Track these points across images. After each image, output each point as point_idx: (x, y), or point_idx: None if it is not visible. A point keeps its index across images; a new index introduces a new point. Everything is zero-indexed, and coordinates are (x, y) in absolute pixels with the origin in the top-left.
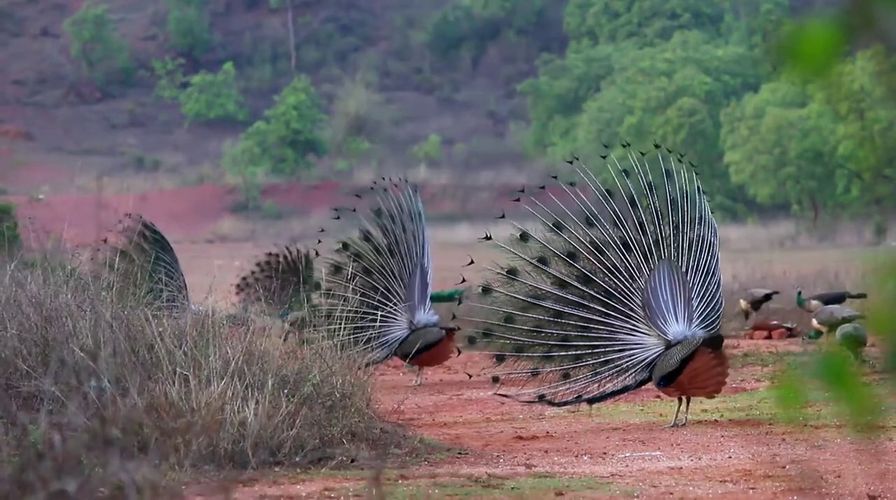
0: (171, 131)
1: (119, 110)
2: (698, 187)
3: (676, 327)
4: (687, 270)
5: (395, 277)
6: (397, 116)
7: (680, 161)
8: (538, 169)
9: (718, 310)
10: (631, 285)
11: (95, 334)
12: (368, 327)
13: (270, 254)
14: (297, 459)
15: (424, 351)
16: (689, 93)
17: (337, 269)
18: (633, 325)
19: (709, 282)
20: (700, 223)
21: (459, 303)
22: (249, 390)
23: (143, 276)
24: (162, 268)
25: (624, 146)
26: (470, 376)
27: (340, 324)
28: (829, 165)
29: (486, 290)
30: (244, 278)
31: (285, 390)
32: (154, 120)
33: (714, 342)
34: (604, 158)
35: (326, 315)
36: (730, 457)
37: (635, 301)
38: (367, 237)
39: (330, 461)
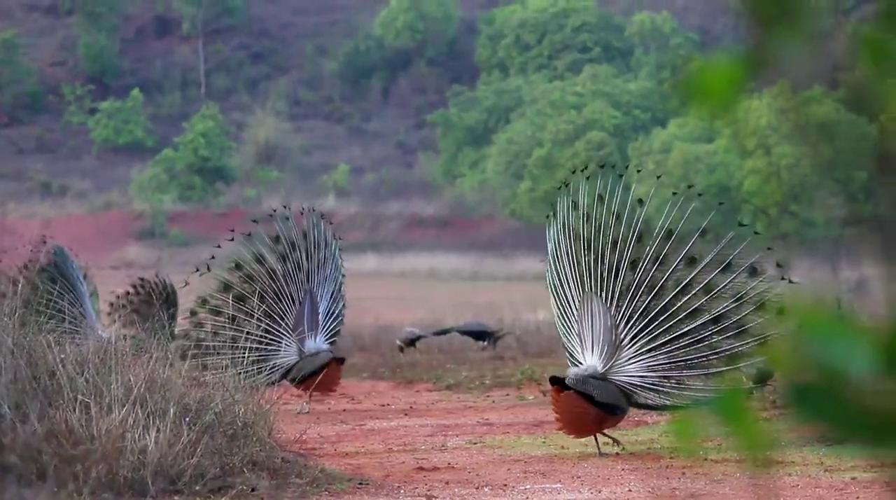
0: (79, 157)
1: (27, 135)
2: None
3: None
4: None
5: (287, 302)
6: (307, 144)
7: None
8: (447, 199)
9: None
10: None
11: None
12: (256, 349)
13: (143, 279)
14: (198, 488)
15: (311, 377)
16: (597, 126)
17: (226, 287)
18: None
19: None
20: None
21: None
22: (151, 417)
23: (45, 302)
24: (65, 294)
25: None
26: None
27: (227, 344)
28: (735, 200)
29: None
30: (117, 298)
31: (187, 419)
32: (62, 145)
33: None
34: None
35: (212, 333)
36: (629, 490)
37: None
38: (259, 261)
39: (230, 490)
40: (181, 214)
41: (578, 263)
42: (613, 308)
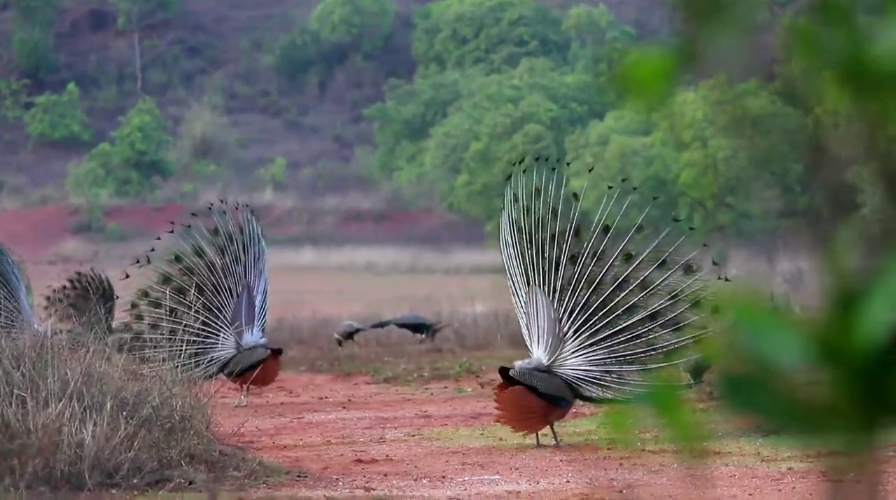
0: (14, 152)
1: None
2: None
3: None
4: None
5: (226, 296)
6: (243, 138)
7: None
8: (384, 193)
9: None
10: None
11: None
12: (196, 342)
13: (79, 274)
14: (135, 481)
15: (248, 371)
16: (534, 119)
17: (166, 279)
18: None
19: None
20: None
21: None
22: (88, 411)
23: None
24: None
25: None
26: None
27: (166, 337)
28: (671, 193)
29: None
30: (54, 292)
31: (124, 412)
32: None
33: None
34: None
35: (152, 326)
36: (567, 481)
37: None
38: (199, 254)
39: (168, 483)
40: (118, 208)
41: (523, 255)
42: (556, 302)
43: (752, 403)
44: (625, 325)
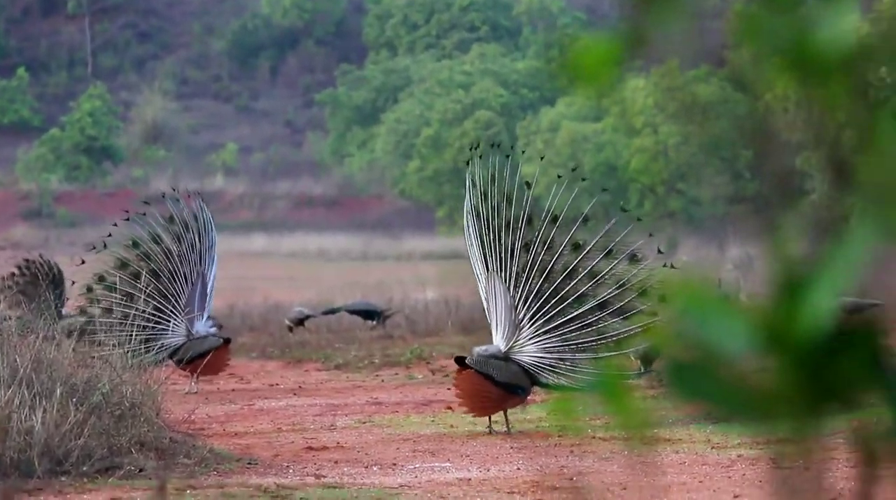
0: None
1: None
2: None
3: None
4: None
5: (181, 283)
6: (194, 124)
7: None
8: (335, 179)
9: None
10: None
11: None
12: (147, 328)
13: (28, 260)
14: (85, 468)
15: (199, 359)
16: (485, 105)
17: (123, 264)
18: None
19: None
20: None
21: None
22: (37, 398)
23: None
24: None
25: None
26: None
27: (119, 321)
28: (622, 179)
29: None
30: (2, 279)
31: (74, 399)
32: None
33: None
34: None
35: (106, 311)
36: (518, 469)
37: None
38: (156, 240)
39: (118, 470)
40: (68, 193)
41: (482, 241)
42: (512, 289)
43: (699, 390)
44: (575, 313)
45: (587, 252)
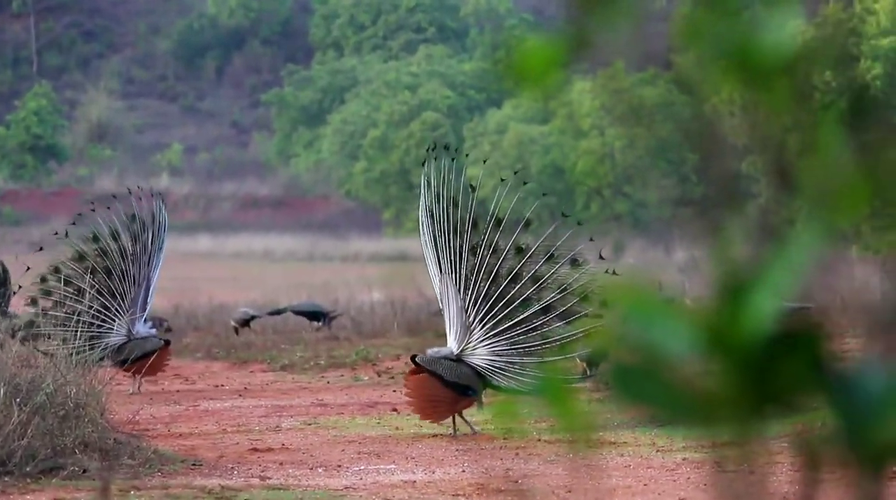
0: None
1: None
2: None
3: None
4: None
5: (129, 283)
6: (140, 123)
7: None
8: (281, 179)
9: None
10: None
11: None
12: (93, 326)
13: None
14: (28, 469)
15: (140, 360)
16: (432, 107)
17: (81, 257)
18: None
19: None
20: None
21: None
22: None
23: None
24: None
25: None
26: None
27: (67, 316)
28: (569, 182)
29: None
30: None
31: (17, 399)
32: None
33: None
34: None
35: (56, 304)
36: (463, 471)
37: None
38: (115, 237)
39: (61, 471)
40: (13, 192)
41: (435, 242)
42: (462, 291)
43: (642, 393)
44: (521, 317)
45: (529, 256)
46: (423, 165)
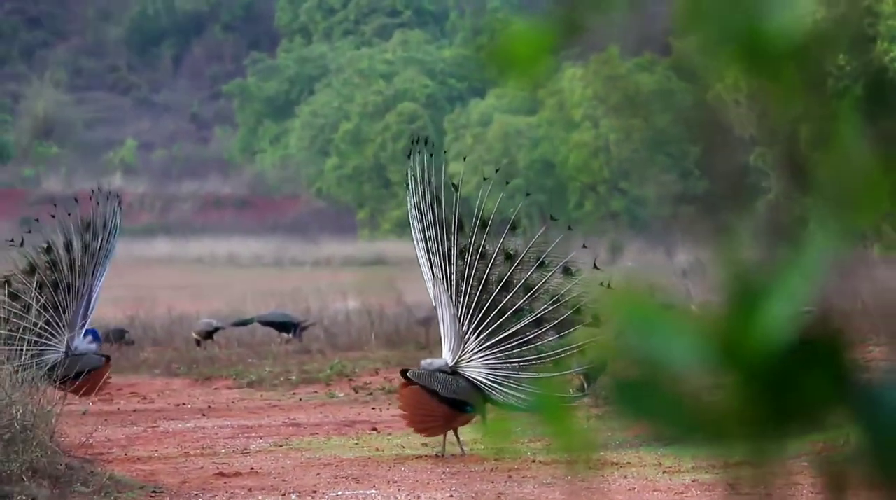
0: None
1: None
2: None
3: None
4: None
5: (72, 295)
6: (90, 118)
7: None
8: (246, 178)
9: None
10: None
11: None
12: (38, 342)
13: None
14: None
15: (78, 378)
16: (409, 97)
17: (32, 270)
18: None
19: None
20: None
21: None
22: None
23: None
24: None
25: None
26: None
27: (10, 333)
28: (560, 177)
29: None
30: None
31: None
32: None
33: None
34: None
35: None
36: (451, 496)
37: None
38: (68, 248)
39: (7, 499)
40: None
41: (426, 243)
42: (454, 297)
43: (645, 409)
44: (514, 329)
45: (519, 262)
46: (408, 157)
